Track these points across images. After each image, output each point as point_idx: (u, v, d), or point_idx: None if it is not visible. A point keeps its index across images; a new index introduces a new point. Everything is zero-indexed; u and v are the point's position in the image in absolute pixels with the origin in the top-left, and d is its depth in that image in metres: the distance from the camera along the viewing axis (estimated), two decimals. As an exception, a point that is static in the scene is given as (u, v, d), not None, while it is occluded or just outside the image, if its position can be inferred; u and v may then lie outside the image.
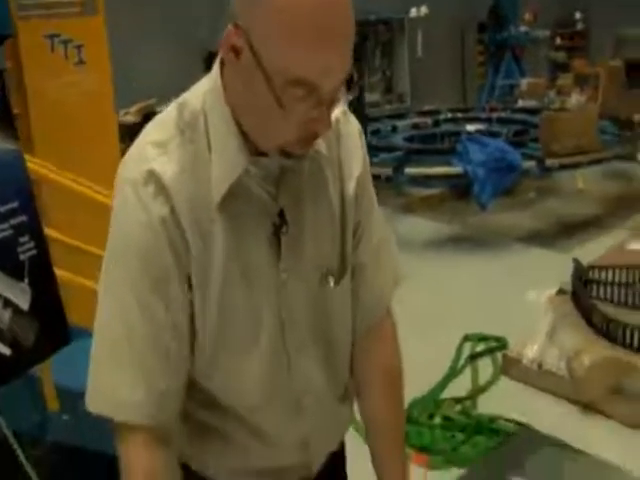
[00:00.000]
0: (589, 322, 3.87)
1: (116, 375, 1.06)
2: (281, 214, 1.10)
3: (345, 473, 1.49)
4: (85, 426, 2.79)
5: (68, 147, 3.28)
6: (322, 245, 1.16)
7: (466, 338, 4.46)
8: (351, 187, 1.20)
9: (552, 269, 4.74)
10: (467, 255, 6.12)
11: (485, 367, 4.19)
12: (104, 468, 2.90)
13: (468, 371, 4.16)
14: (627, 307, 3.93)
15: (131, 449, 1.06)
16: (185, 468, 1.26)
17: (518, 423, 3.40)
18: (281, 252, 1.11)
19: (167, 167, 1.02)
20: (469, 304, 4.81)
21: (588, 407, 3.53)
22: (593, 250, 4.96)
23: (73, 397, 2.73)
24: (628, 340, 3.57)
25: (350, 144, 1.20)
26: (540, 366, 3.79)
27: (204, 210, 1.04)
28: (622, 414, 3.41)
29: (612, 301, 4.02)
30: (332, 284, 1.17)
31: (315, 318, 1.18)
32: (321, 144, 1.13)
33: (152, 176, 1.02)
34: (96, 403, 1.08)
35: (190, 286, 1.05)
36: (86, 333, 3.31)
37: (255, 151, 1.06)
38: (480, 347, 4.40)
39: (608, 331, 3.69)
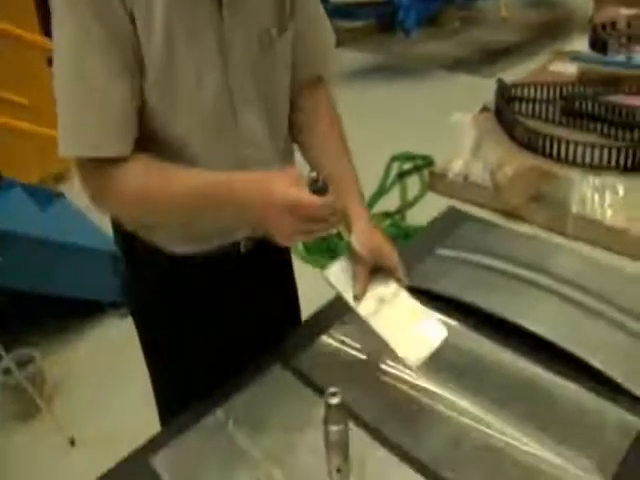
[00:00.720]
0: (512, 136, 4.01)
1: (81, 116, 1.08)
2: None
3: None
4: (19, 268, 2.88)
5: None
6: (262, 3, 1.18)
7: (394, 158, 4.57)
8: None
9: (477, 93, 4.79)
10: (393, 83, 6.14)
11: (413, 184, 4.34)
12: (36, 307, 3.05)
13: (396, 189, 4.30)
14: (548, 122, 4.06)
15: (113, 178, 1.11)
16: (133, 239, 1.32)
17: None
18: (222, 10, 1.12)
19: None
20: (396, 128, 4.88)
21: (511, 214, 3.72)
22: (517, 75, 4.99)
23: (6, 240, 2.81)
24: (548, 150, 3.73)
25: None
26: (465, 179, 3.96)
27: None
28: (541, 219, 3.63)
29: (534, 116, 4.14)
30: (274, 39, 1.20)
31: (258, 77, 1.21)
32: None
33: None
34: (66, 148, 1.10)
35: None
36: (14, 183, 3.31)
37: None
38: (407, 166, 4.53)
39: (530, 143, 3.83)
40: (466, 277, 1.54)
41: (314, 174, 1.02)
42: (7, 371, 2.75)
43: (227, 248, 1.33)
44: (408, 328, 1.19)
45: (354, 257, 1.21)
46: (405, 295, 1.23)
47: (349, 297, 1.21)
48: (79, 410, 2.78)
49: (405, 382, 1.30)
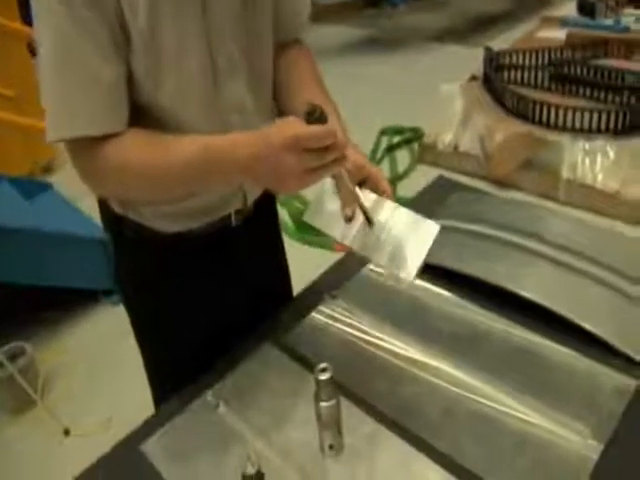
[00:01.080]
0: (501, 104, 3.99)
1: (71, 98, 1.05)
2: None
3: (276, 208, 1.56)
4: (11, 261, 2.89)
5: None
6: None
7: (383, 132, 4.55)
8: None
9: (465, 64, 4.77)
10: (381, 56, 6.11)
11: (402, 157, 4.32)
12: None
13: (386, 162, 4.28)
14: (537, 88, 4.03)
15: (109, 156, 1.08)
16: (121, 221, 1.30)
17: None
18: None
19: None
20: (383, 102, 4.86)
21: (502, 182, 3.71)
22: (506, 43, 4.97)
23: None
24: (538, 116, 3.70)
25: None
26: (455, 149, 3.94)
27: None
28: (532, 186, 3.61)
29: (522, 83, 4.12)
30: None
31: (241, 42, 1.19)
32: None
33: None
34: (57, 132, 1.06)
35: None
36: (1, 177, 3.29)
37: None
38: (397, 139, 4.50)
39: (519, 110, 3.81)
40: (458, 246, 1.52)
41: (310, 105, 0.98)
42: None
43: (217, 223, 1.31)
44: (402, 242, 1.13)
45: (337, 177, 1.15)
46: (391, 205, 1.15)
47: (337, 234, 1.16)
48: (73, 400, 2.77)
49: (396, 355, 1.29)
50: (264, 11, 1.22)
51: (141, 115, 1.13)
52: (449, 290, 1.43)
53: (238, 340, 1.38)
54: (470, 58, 4.88)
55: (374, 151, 4.34)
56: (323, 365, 1.03)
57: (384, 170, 4.12)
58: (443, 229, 1.59)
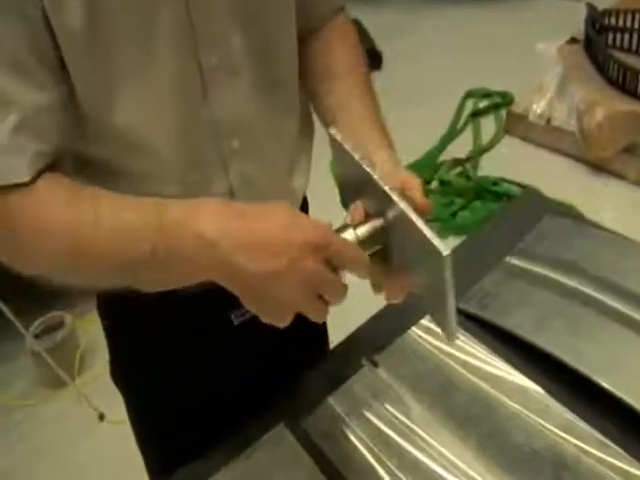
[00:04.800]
0: (604, 74, 3.51)
1: None
2: None
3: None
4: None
5: None
6: None
7: (468, 95, 4.15)
8: None
9: (564, 19, 4.26)
10: (469, 8, 5.61)
11: (488, 125, 3.93)
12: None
13: (469, 131, 3.89)
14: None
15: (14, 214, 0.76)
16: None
17: (522, 186, 3.19)
18: None
19: None
20: (471, 60, 4.45)
21: (599, 167, 3.31)
22: (610, -2, 4.48)
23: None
24: (647, 92, 3.23)
25: None
26: (548, 122, 3.53)
27: None
28: (635, 174, 3.20)
29: (630, 50, 3.62)
30: None
31: (244, 27, 0.84)
32: None
33: None
34: None
35: None
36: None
37: None
38: (483, 104, 4.10)
39: (624, 82, 3.34)
40: (542, 308, 1.17)
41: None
42: (38, 336, 2.68)
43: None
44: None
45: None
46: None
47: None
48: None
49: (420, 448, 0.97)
50: None
51: (84, 145, 0.83)
52: (526, 374, 1.07)
53: (252, 409, 1.09)
54: (569, 12, 4.35)
55: (456, 117, 3.95)
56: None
57: (467, 140, 3.77)
58: (527, 275, 1.26)
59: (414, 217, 0.70)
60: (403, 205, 0.72)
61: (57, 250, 0.76)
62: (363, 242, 0.77)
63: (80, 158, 0.85)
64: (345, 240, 0.74)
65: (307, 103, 1.05)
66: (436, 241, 0.67)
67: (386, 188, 0.74)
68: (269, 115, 0.93)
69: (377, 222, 0.78)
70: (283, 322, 0.73)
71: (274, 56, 0.90)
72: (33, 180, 0.74)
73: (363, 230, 0.78)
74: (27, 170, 0.74)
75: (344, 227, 0.77)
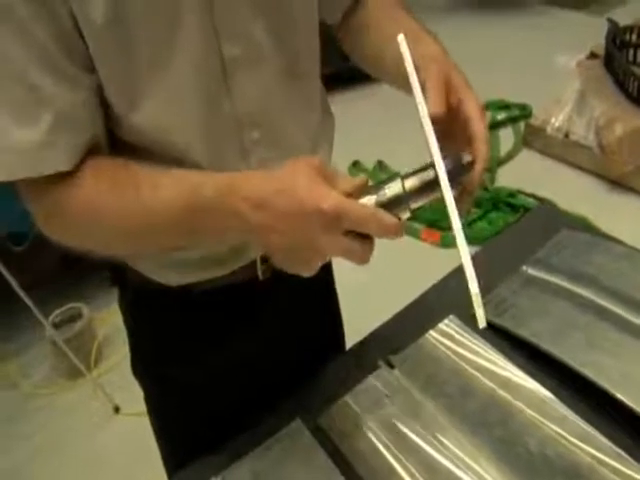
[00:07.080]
0: (623, 89, 3.52)
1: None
2: None
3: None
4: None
5: None
6: None
7: (486, 106, 4.14)
8: None
9: (584, 32, 4.29)
10: (489, 18, 5.62)
11: (506, 138, 3.94)
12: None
13: (487, 143, 3.88)
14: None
15: (63, 200, 0.79)
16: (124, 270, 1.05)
17: (539, 199, 3.20)
18: None
19: None
20: (490, 70, 4.42)
21: (617, 183, 3.29)
22: (632, 12, 4.46)
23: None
24: (666, 108, 3.23)
25: None
26: (566, 136, 3.52)
27: None
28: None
29: (651, 66, 3.61)
30: None
31: (263, 6, 0.84)
32: None
33: None
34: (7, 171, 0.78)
35: None
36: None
37: None
38: (501, 116, 4.11)
39: (644, 98, 3.34)
40: (561, 320, 1.17)
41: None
42: (56, 326, 2.72)
43: (238, 275, 1.02)
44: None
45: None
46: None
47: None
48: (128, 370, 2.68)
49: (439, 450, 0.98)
50: None
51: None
52: (541, 381, 1.08)
53: (269, 404, 1.11)
54: (589, 26, 4.38)
55: (474, 128, 3.94)
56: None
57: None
58: (543, 285, 1.27)
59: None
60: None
61: (110, 233, 0.82)
62: (414, 192, 0.73)
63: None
64: (361, 208, 0.69)
65: (325, 95, 1.07)
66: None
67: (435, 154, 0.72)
68: (290, 106, 0.94)
69: (428, 174, 0.73)
70: (310, 270, 0.75)
71: (296, 46, 0.91)
72: (77, 169, 0.78)
73: (410, 183, 0.73)
74: (68, 160, 0.77)
75: (392, 177, 0.73)
